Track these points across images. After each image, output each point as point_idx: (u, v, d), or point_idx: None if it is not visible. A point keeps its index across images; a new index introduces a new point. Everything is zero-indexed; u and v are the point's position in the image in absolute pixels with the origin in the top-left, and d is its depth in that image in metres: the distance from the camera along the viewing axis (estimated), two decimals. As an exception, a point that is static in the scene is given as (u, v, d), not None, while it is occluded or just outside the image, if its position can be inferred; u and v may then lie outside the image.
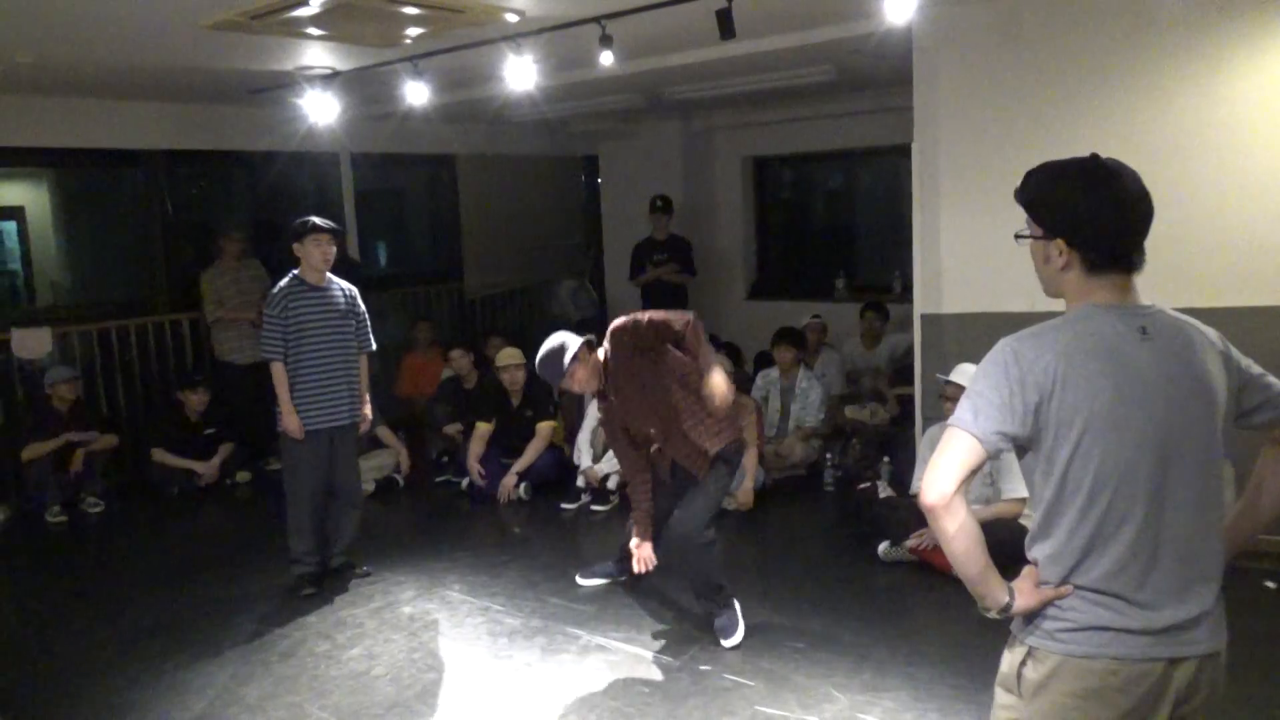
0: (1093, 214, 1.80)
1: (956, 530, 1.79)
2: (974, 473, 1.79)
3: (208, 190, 8.27)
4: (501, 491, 6.27)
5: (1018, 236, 1.92)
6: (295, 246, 4.80)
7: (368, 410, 5.01)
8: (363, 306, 4.99)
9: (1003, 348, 1.82)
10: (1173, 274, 4.64)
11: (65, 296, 8.22)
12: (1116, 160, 1.83)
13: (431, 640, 4.29)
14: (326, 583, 4.92)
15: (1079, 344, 1.77)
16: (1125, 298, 1.84)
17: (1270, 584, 4.32)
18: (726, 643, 4.05)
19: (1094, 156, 1.83)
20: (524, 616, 4.48)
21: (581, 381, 4.03)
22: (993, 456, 1.80)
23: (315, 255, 4.77)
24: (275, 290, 4.77)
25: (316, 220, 4.82)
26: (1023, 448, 1.83)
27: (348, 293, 4.91)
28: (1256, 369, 1.90)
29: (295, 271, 4.81)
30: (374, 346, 5.06)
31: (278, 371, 4.70)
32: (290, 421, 4.68)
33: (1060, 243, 1.83)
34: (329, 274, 4.85)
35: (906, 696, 3.58)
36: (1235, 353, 1.88)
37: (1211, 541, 1.82)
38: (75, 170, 7.81)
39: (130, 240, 7.61)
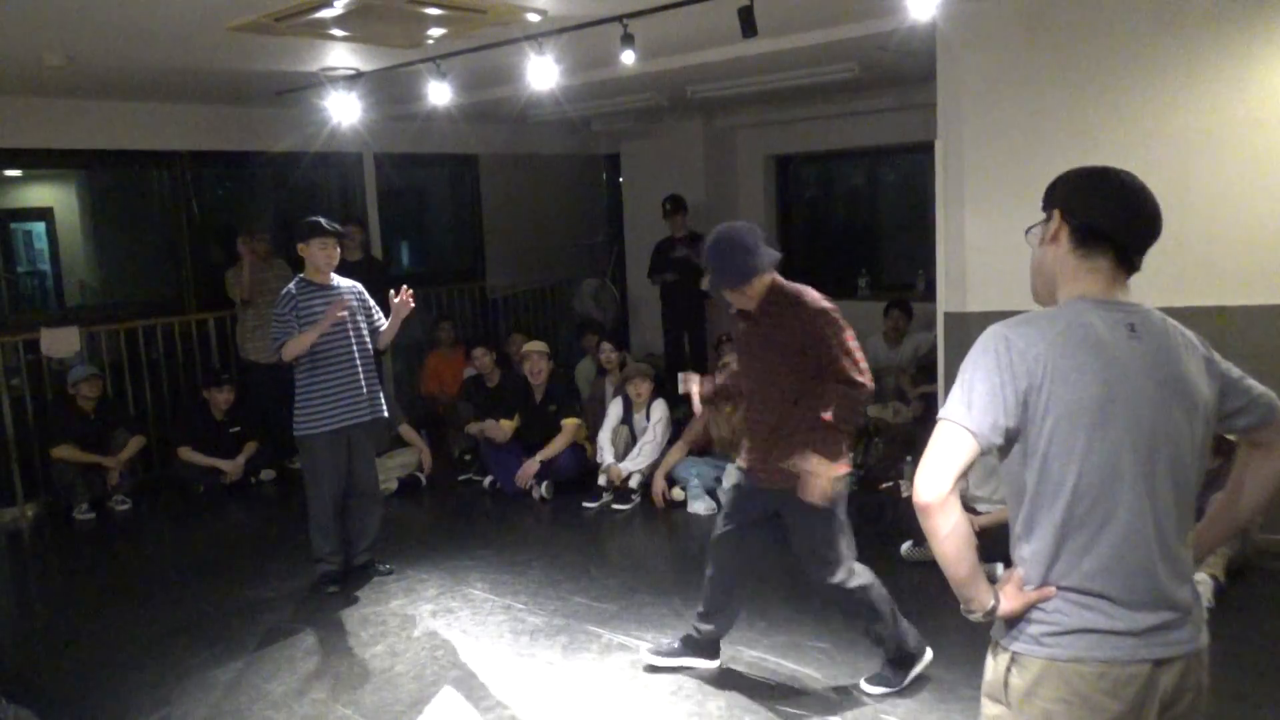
0: (1092, 191, 1.81)
1: (950, 530, 1.76)
2: (968, 469, 1.76)
3: (234, 191, 8.34)
4: (521, 477, 6.30)
5: (1029, 230, 1.92)
6: (300, 247, 4.78)
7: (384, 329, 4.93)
8: (370, 299, 4.97)
9: (993, 334, 1.78)
10: (1203, 271, 4.59)
11: (93, 296, 8.33)
12: (1138, 179, 1.84)
13: (454, 638, 4.31)
14: (350, 580, 4.95)
15: (1070, 335, 1.74)
16: (1114, 292, 1.81)
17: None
18: (867, 688, 3.60)
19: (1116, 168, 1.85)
20: (546, 615, 4.49)
21: (749, 299, 3.43)
22: (986, 451, 1.76)
23: (320, 257, 4.75)
24: (284, 292, 4.76)
25: (321, 222, 4.79)
26: (1010, 441, 1.78)
27: (354, 290, 4.89)
28: (1236, 372, 1.89)
29: (301, 275, 4.81)
30: (386, 322, 4.97)
31: (293, 342, 4.58)
32: (326, 320, 4.58)
33: (1057, 213, 1.83)
34: (334, 274, 4.84)
35: (930, 697, 3.56)
36: (1216, 356, 1.87)
37: (1188, 542, 1.82)
38: (103, 171, 7.89)
39: (157, 241, 7.69)
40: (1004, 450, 1.80)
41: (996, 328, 1.79)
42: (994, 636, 1.87)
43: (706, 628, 3.80)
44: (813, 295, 3.46)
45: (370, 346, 4.90)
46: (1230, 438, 1.98)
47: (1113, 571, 1.74)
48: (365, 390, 4.83)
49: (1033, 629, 1.78)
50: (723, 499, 5.86)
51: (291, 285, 4.78)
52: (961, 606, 1.85)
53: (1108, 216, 1.80)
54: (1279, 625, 3.95)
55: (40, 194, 8.90)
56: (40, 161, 7.35)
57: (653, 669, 3.86)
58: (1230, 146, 4.53)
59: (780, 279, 3.49)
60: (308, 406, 4.72)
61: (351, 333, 4.80)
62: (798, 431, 3.39)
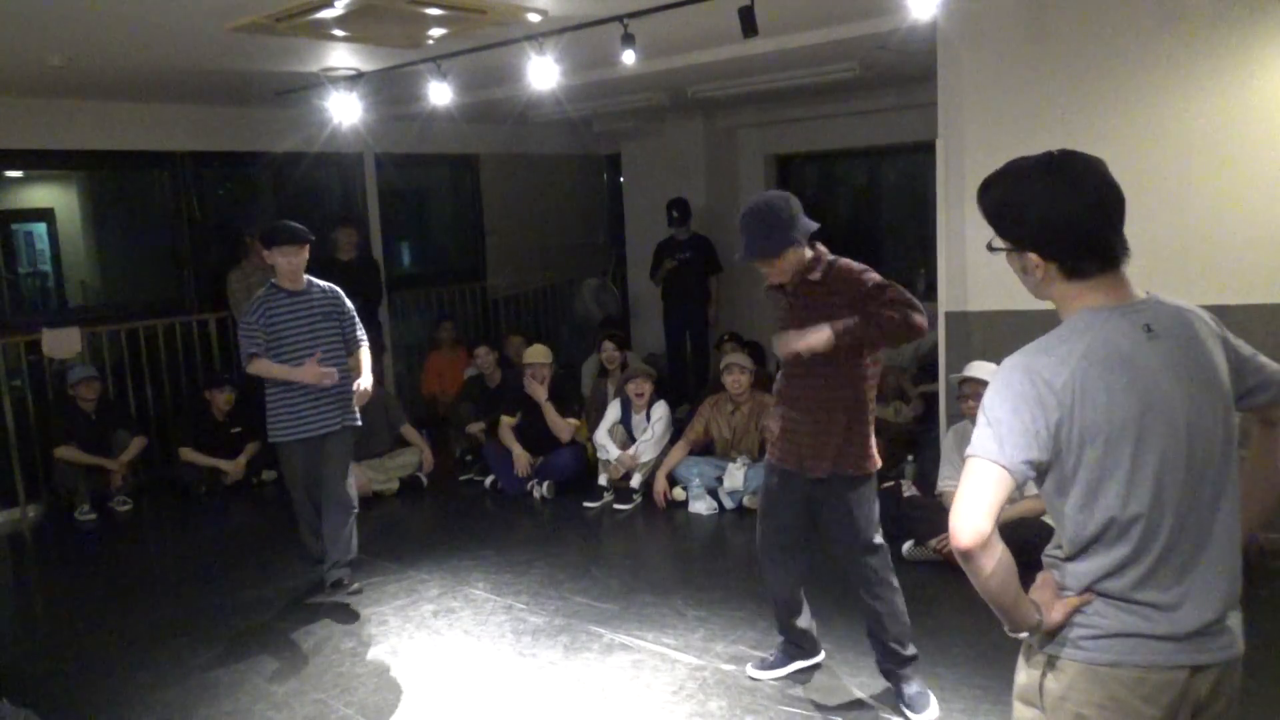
0: (1061, 220, 1.70)
1: (994, 568, 1.68)
2: (1003, 505, 1.69)
3: (234, 191, 8.34)
4: (519, 465, 6.40)
5: (990, 248, 1.82)
6: (265, 255, 4.67)
7: (364, 382, 4.78)
8: (349, 305, 4.83)
9: (1014, 368, 1.72)
10: (1204, 270, 4.59)
11: (94, 297, 8.33)
12: (1072, 152, 1.74)
13: (456, 638, 4.31)
14: (350, 581, 4.95)
15: (1093, 356, 1.68)
16: (1121, 295, 1.74)
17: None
18: (916, 717, 3.42)
19: (1048, 154, 1.74)
20: (548, 615, 4.49)
21: (781, 271, 3.32)
22: (1019, 486, 1.70)
23: (284, 265, 4.61)
24: (252, 298, 4.69)
25: (281, 229, 4.63)
26: (1042, 473, 1.73)
27: (330, 294, 4.77)
28: (1247, 349, 1.84)
29: (273, 280, 4.69)
30: (365, 343, 4.90)
31: (262, 365, 4.54)
32: (304, 374, 4.51)
33: (1033, 256, 1.74)
34: (308, 277, 4.71)
35: (931, 696, 3.55)
36: (1229, 334, 1.82)
37: (1233, 537, 1.76)
38: (104, 172, 7.90)
39: (158, 241, 7.69)
40: (1037, 482, 1.75)
41: (1016, 359, 1.72)
42: (1030, 640, 1.83)
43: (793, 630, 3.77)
44: (852, 264, 3.38)
45: (342, 354, 4.74)
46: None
47: (1156, 578, 1.70)
48: (335, 399, 4.66)
49: (1070, 632, 1.74)
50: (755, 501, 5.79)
51: (261, 291, 4.69)
52: (1006, 628, 1.79)
53: (1093, 243, 1.72)
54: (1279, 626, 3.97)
55: (41, 195, 8.90)
56: (41, 162, 7.36)
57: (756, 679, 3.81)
58: (1231, 146, 4.52)
59: (821, 249, 3.40)
60: (276, 415, 4.63)
61: (321, 339, 4.66)
62: (837, 423, 3.35)
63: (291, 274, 4.64)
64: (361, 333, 4.88)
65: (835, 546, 3.53)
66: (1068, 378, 1.67)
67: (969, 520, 1.67)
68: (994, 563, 1.68)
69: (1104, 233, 1.72)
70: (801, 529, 3.61)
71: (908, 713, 3.44)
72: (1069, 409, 1.67)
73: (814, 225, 3.32)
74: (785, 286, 3.40)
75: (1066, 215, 1.70)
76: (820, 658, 3.84)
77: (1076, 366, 1.68)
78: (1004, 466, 1.67)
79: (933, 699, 3.47)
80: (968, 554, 1.68)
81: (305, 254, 4.67)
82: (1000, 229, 1.80)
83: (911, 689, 3.47)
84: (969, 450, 1.72)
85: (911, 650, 3.52)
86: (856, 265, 3.35)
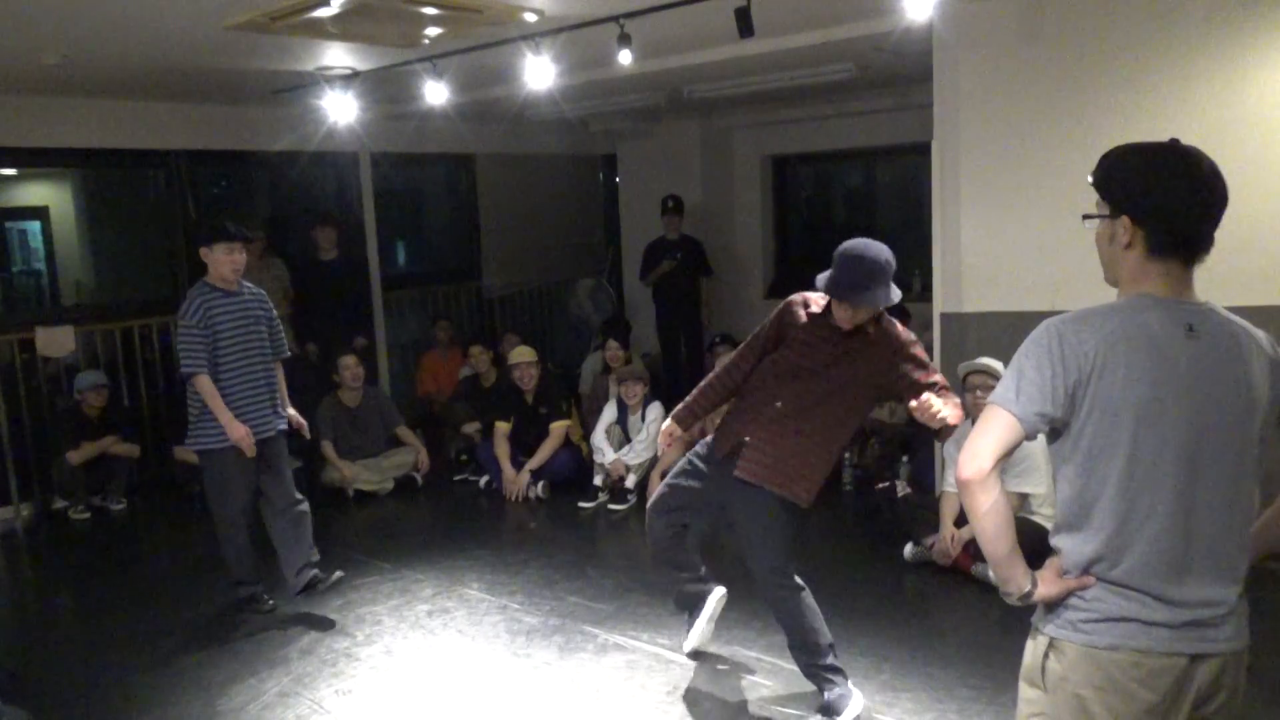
0: (1161, 191, 1.78)
1: (990, 507, 1.80)
2: (1010, 451, 1.80)
3: (229, 190, 8.33)
4: (510, 489, 6.32)
5: (1085, 217, 1.90)
6: (203, 252, 4.44)
7: (293, 412, 4.75)
8: (274, 311, 4.74)
9: (1047, 328, 1.82)
10: (1202, 270, 4.58)
11: (89, 295, 8.32)
12: (1194, 146, 1.81)
13: (450, 638, 4.31)
14: (346, 581, 4.93)
15: (1123, 333, 1.76)
16: (1179, 291, 1.82)
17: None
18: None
19: (1172, 140, 1.82)
20: (542, 615, 4.48)
21: (857, 318, 3.28)
22: (1030, 437, 1.81)
23: (225, 264, 4.42)
24: (187, 299, 4.44)
25: (228, 225, 4.47)
26: (1057, 431, 1.83)
27: (259, 296, 4.67)
28: None
29: (204, 279, 4.49)
30: (288, 353, 4.83)
31: (204, 385, 4.34)
32: (236, 430, 4.34)
33: (1126, 220, 1.80)
34: (240, 280, 4.58)
35: (926, 697, 3.56)
36: None
37: (1239, 542, 1.81)
38: (99, 170, 7.88)
39: (153, 240, 7.67)
40: (1050, 438, 1.85)
41: (1052, 321, 1.83)
42: (1034, 622, 1.91)
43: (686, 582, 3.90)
44: (902, 328, 3.43)
45: (271, 359, 4.64)
46: None
47: (1153, 566, 1.76)
48: (269, 400, 4.59)
49: (1071, 615, 1.82)
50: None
51: (194, 289, 4.49)
52: (1000, 588, 1.89)
53: (1186, 224, 1.79)
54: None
55: (36, 193, 8.89)
56: (36, 160, 7.33)
57: (696, 653, 3.93)
58: (1227, 147, 4.48)
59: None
60: (210, 419, 4.39)
61: (254, 342, 4.55)
62: (811, 450, 3.42)
63: (233, 275, 4.46)
64: (284, 340, 4.77)
65: (752, 558, 3.50)
66: (1092, 346, 1.76)
67: (972, 456, 1.81)
68: (989, 501, 1.81)
69: (1198, 221, 1.79)
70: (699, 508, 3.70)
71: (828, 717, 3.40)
72: (1087, 375, 1.76)
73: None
74: (839, 328, 3.33)
75: (1173, 193, 1.78)
76: (720, 591, 3.89)
77: (1105, 338, 1.77)
78: (1015, 415, 1.79)
79: (855, 702, 3.41)
80: (965, 485, 1.82)
81: (245, 255, 4.55)
82: (1105, 191, 1.85)
83: (830, 694, 3.43)
84: (990, 397, 1.85)
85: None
86: (899, 330, 3.40)
